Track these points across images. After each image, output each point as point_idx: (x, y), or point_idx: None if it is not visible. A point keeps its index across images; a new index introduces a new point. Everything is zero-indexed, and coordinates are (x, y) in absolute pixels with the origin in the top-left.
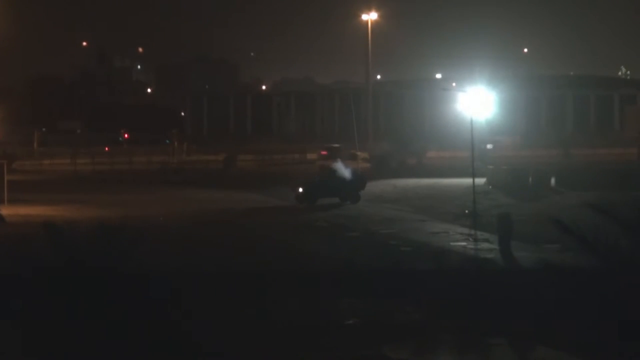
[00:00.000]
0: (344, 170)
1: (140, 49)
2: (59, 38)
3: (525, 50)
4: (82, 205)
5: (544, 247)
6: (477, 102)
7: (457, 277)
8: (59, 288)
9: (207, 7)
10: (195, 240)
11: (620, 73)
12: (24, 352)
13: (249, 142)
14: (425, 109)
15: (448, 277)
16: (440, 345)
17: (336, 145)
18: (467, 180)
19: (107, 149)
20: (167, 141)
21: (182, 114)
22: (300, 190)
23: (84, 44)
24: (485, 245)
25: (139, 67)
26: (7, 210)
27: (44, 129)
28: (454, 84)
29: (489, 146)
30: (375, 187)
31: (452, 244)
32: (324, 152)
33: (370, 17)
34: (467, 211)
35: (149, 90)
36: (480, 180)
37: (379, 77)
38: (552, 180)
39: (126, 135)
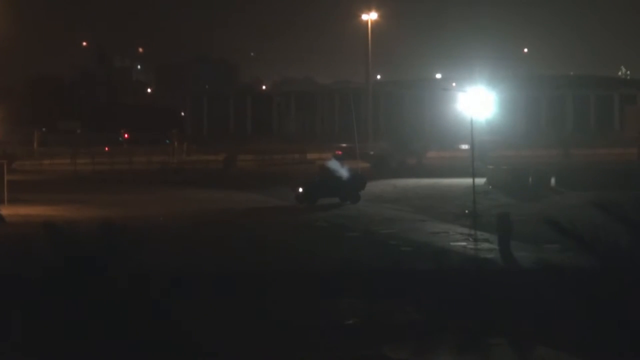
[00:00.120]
0: (339, 169)
1: (140, 49)
2: (59, 38)
3: (525, 50)
4: (82, 205)
5: (544, 247)
6: (477, 102)
7: (457, 277)
8: (58, 288)
9: (207, 7)
10: (195, 240)
11: (620, 73)
12: (24, 352)
13: (249, 142)
14: (425, 109)
15: (448, 277)
16: (440, 345)
17: (350, 144)
18: (467, 180)
19: (107, 149)
20: (167, 141)
21: (182, 114)
22: (300, 190)
23: (84, 44)
24: (485, 245)
25: (139, 67)
26: (7, 210)
27: (44, 129)
28: (454, 84)
29: (464, 146)
30: (375, 187)
31: (452, 244)
32: (339, 152)
33: (370, 17)
34: (467, 211)
35: (149, 90)
36: (480, 180)
37: (379, 77)
38: (552, 180)
39: (126, 135)
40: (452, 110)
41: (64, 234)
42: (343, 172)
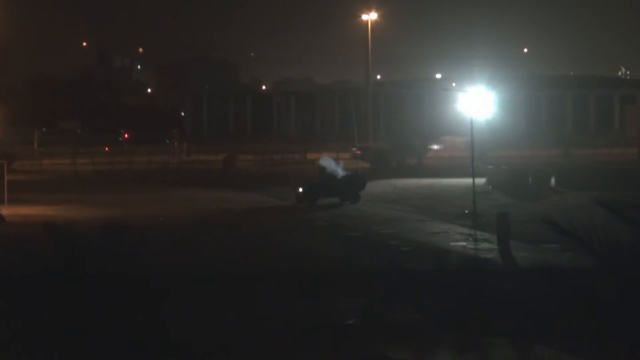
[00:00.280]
0: (333, 166)
1: (140, 49)
2: (59, 38)
3: (525, 50)
4: (82, 205)
5: (544, 247)
6: (477, 102)
7: (457, 277)
8: (58, 288)
9: (207, 7)
10: (195, 241)
11: (620, 73)
12: (24, 352)
13: (249, 142)
14: (425, 109)
15: (448, 277)
16: (440, 345)
17: (369, 143)
18: (467, 180)
19: (107, 149)
20: (167, 141)
21: (182, 114)
22: (300, 190)
23: (84, 44)
24: (485, 245)
25: (139, 67)
26: (7, 210)
27: (44, 129)
28: (454, 84)
29: (436, 147)
30: (375, 187)
31: (452, 244)
32: (358, 152)
33: (370, 17)
34: (467, 211)
35: (149, 90)
36: (480, 180)
37: (379, 77)
38: (552, 180)
39: (126, 135)
40: (452, 110)
41: (64, 234)
42: (337, 169)
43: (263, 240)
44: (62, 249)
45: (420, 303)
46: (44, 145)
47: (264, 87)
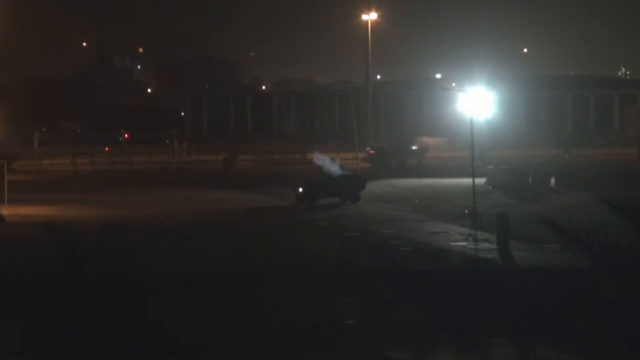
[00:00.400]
0: (329, 165)
1: (140, 49)
2: (59, 38)
3: (525, 50)
4: (82, 205)
5: (544, 247)
6: (477, 102)
7: (457, 277)
8: (58, 288)
9: (207, 7)
10: (195, 241)
11: (620, 73)
12: (24, 353)
13: (249, 142)
14: (425, 109)
15: (448, 277)
16: (440, 345)
17: (382, 142)
18: (467, 180)
19: (107, 149)
20: (167, 141)
21: (182, 114)
22: (300, 190)
23: (84, 44)
24: (485, 245)
25: (139, 67)
26: (7, 210)
27: (44, 129)
28: (454, 84)
29: (414, 147)
30: (375, 187)
31: (452, 244)
32: (372, 152)
33: (370, 17)
34: (467, 211)
35: (149, 90)
36: (480, 180)
37: (378, 77)
38: (552, 180)
39: (126, 135)
40: (452, 110)
41: (64, 234)
42: (332, 166)
43: (263, 240)
44: (62, 249)
45: (420, 303)
46: (44, 145)
47: (264, 87)
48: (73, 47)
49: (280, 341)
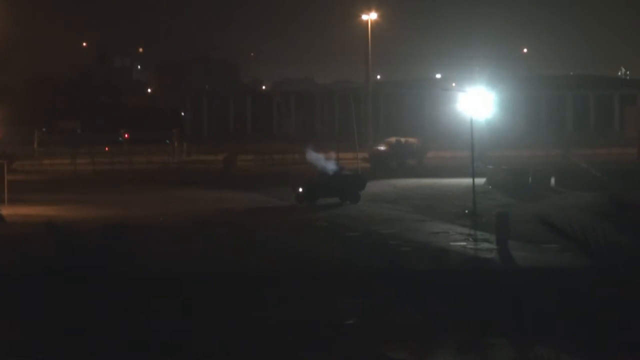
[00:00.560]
0: (322, 162)
1: (140, 49)
2: (59, 38)
3: (525, 50)
4: (82, 205)
5: (544, 247)
6: (477, 102)
7: (457, 277)
8: (58, 288)
9: (207, 7)
10: (195, 240)
11: (620, 73)
12: (24, 352)
13: (249, 142)
14: (425, 109)
15: (448, 277)
16: (440, 345)
17: (394, 139)
18: (467, 180)
19: (107, 149)
20: (167, 141)
21: (182, 114)
22: (300, 190)
23: (84, 44)
24: (485, 245)
25: (139, 67)
26: (7, 210)
27: (44, 129)
28: (454, 84)
29: (382, 147)
30: (375, 187)
31: (452, 244)
32: (382, 148)
33: (370, 17)
34: (467, 211)
35: (149, 90)
36: (480, 180)
37: (379, 77)
38: (552, 180)
39: (126, 135)
40: (452, 110)
41: (64, 234)
42: (324, 163)
43: (263, 240)
44: (62, 249)
45: (420, 303)
46: (44, 145)
47: (264, 87)
48: (73, 47)
49: (280, 341)
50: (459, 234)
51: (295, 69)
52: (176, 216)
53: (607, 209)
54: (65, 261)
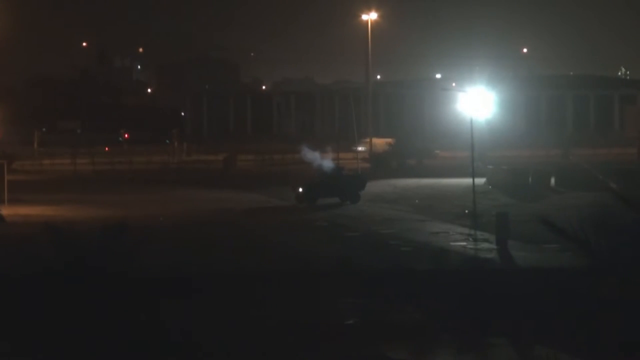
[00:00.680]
0: (318, 159)
1: (140, 49)
2: (59, 38)
3: (525, 50)
4: (82, 205)
5: (543, 247)
6: (477, 102)
7: (457, 277)
8: (58, 288)
9: (207, 7)
10: (195, 241)
11: (620, 73)
12: (24, 352)
13: (249, 142)
14: (425, 109)
15: (448, 277)
16: (440, 345)
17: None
18: (467, 180)
19: (107, 149)
20: (167, 141)
21: (182, 114)
22: (300, 190)
23: (84, 44)
24: (485, 245)
25: (139, 67)
26: (7, 210)
27: (44, 129)
28: (454, 84)
29: (360, 148)
30: (375, 187)
31: (452, 244)
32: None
33: (370, 17)
34: (467, 211)
35: (149, 90)
36: (480, 180)
37: (379, 77)
38: (552, 180)
39: (126, 135)
40: (452, 110)
41: (64, 234)
42: (320, 160)
43: (263, 240)
44: (62, 249)
45: (420, 303)
46: (44, 145)
47: (264, 87)
48: (73, 47)
49: (280, 341)
50: (459, 234)
51: (295, 69)
52: (176, 216)
53: (608, 209)
54: (65, 261)
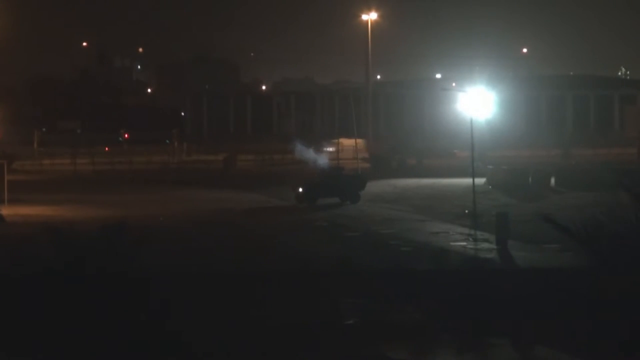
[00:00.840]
0: (307, 153)
1: (140, 49)
2: (59, 38)
3: (525, 50)
4: (82, 205)
5: (543, 247)
6: (477, 102)
7: (457, 277)
8: (58, 288)
9: (207, 7)
10: (195, 241)
11: (620, 73)
12: (24, 351)
13: (249, 142)
14: (425, 109)
15: (448, 277)
16: (440, 345)
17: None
18: (467, 180)
19: (107, 149)
20: (167, 141)
21: (182, 114)
22: (300, 190)
23: (84, 44)
24: (485, 245)
25: (139, 67)
26: (7, 210)
27: (44, 129)
28: (454, 84)
29: (329, 149)
30: (375, 187)
31: (452, 244)
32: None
33: (370, 17)
34: (467, 211)
35: (149, 90)
36: (480, 180)
37: (379, 77)
38: (552, 180)
39: (126, 135)
40: (452, 110)
41: (64, 234)
42: (314, 157)
43: (263, 240)
44: (62, 249)
45: (420, 303)
46: (44, 145)
47: (264, 87)
48: (73, 47)
49: (280, 341)
50: (459, 234)
51: (295, 69)
52: (176, 216)
53: (612, 209)
54: (65, 261)
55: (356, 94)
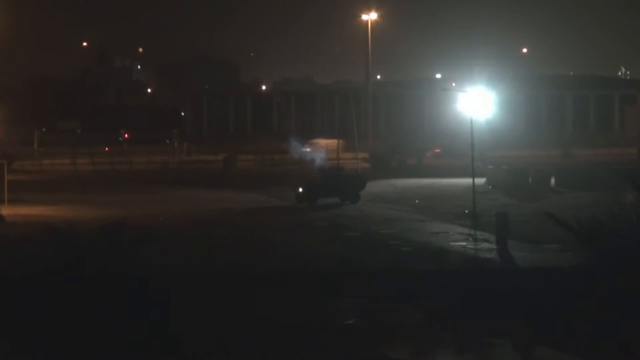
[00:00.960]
0: (302, 151)
1: (140, 49)
2: (59, 38)
3: (525, 50)
4: (82, 205)
5: (543, 247)
6: (477, 102)
7: (457, 277)
8: (58, 288)
9: (207, 7)
10: (194, 241)
11: (620, 73)
12: (24, 351)
13: (249, 142)
14: (425, 109)
15: (448, 277)
16: (440, 345)
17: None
18: (467, 180)
19: (107, 149)
20: (167, 141)
21: (182, 114)
22: (300, 190)
23: (84, 44)
24: (485, 245)
25: (139, 67)
26: (7, 210)
27: (44, 129)
28: (454, 84)
29: (306, 149)
30: (375, 187)
31: (452, 244)
32: (437, 150)
33: (370, 17)
34: (467, 211)
35: (149, 90)
36: (480, 180)
37: (379, 77)
38: (552, 180)
39: (126, 135)
40: (452, 110)
41: (64, 234)
42: (305, 152)
43: (263, 240)
44: (62, 249)
45: (420, 303)
46: (44, 145)
47: (264, 87)
48: (73, 47)
49: (280, 341)
50: (459, 234)
51: (295, 69)
52: (176, 216)
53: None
54: (65, 261)
55: (356, 94)
